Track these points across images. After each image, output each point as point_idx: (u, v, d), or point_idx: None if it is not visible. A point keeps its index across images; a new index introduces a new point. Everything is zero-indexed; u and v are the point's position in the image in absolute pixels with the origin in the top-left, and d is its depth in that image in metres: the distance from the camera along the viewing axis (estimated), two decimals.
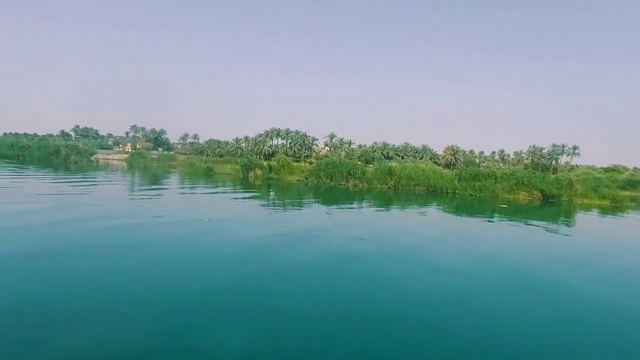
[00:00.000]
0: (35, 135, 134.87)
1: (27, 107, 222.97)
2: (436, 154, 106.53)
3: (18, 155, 71.32)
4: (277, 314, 6.97)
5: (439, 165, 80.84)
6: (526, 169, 55.72)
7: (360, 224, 18.67)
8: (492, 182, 40.42)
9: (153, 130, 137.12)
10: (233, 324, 6.48)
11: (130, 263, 9.52)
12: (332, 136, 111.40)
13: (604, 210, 32.56)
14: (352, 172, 44.17)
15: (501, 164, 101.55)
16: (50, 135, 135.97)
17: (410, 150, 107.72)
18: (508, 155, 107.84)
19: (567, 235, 19.21)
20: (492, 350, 6.16)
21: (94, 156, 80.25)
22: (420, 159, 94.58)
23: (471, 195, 39.19)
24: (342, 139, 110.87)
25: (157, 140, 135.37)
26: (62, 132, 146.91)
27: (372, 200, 31.10)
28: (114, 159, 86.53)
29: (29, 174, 36.93)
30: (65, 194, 22.80)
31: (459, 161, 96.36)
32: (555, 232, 19.54)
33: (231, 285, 8.37)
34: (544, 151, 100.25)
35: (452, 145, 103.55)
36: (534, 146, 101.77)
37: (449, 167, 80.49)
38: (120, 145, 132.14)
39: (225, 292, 7.97)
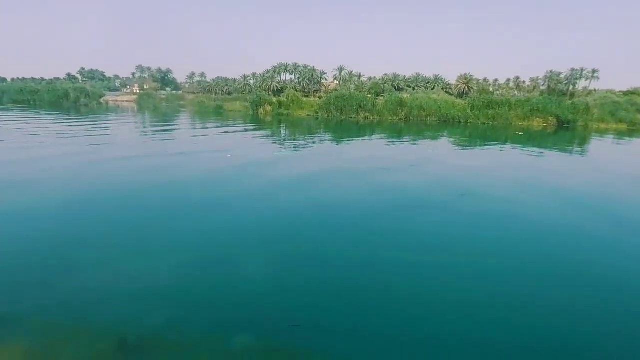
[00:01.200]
0: (43, 79, 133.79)
1: (32, 52, 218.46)
2: (448, 84, 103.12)
3: (28, 100, 71.32)
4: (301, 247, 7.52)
5: (451, 95, 78.86)
6: (542, 96, 54.00)
7: (376, 155, 18.94)
8: (505, 110, 39.53)
9: (159, 70, 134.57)
10: (260, 252, 7.04)
11: (154, 197, 10.08)
12: (341, 69, 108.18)
13: (619, 135, 32.03)
14: (362, 105, 43.56)
15: (516, 92, 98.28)
16: (57, 79, 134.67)
17: (422, 81, 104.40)
18: (524, 82, 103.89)
19: (570, 162, 19.29)
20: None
21: (103, 98, 79.89)
22: (432, 89, 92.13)
23: (484, 124, 38.70)
24: (352, 72, 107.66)
25: (164, 79, 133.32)
26: (69, 75, 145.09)
27: (383, 132, 31.03)
28: (123, 101, 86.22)
29: (45, 117, 37.34)
30: (86, 134, 23.28)
31: (472, 90, 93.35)
32: (563, 160, 19.61)
33: (267, 222, 8.92)
34: (561, 76, 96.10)
35: (465, 74, 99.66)
36: (551, 71, 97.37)
37: (461, 97, 78.34)
38: (128, 87, 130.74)
39: (254, 225, 8.52)
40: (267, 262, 6.15)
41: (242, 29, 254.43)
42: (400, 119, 41.64)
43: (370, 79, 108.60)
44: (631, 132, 34.27)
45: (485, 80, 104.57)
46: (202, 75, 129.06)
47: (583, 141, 27.72)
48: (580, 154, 21.29)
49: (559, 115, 37.77)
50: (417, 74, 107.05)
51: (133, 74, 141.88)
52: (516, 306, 5.02)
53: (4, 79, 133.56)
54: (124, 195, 9.82)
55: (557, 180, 13.41)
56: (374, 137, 27.49)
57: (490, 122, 38.88)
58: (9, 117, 36.21)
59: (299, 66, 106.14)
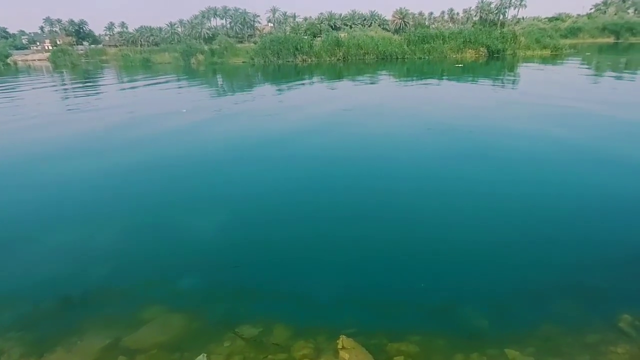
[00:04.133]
0: None
1: None
2: (385, 20, 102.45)
3: None
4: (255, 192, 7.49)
5: (388, 31, 78.46)
6: (474, 27, 55.29)
7: (319, 98, 18.81)
8: (440, 43, 40.21)
9: (72, 22, 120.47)
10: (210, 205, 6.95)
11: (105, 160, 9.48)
12: (274, 10, 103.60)
13: (544, 60, 33.85)
14: (299, 47, 42.33)
15: (451, 24, 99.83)
16: None
17: (358, 19, 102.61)
18: (457, 13, 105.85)
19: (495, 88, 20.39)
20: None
21: (10, 58, 70.88)
22: (369, 26, 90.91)
23: (420, 58, 39.29)
24: (286, 13, 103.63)
25: (79, 33, 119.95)
26: None
27: (321, 74, 30.62)
28: (34, 60, 76.98)
29: None
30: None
31: (408, 25, 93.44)
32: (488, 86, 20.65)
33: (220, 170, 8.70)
34: (492, 6, 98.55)
35: (401, 9, 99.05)
36: (482, 1, 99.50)
37: (398, 33, 78.30)
38: (38, 43, 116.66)
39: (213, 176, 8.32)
40: (208, 210, 6.11)
41: None
42: (338, 60, 41.17)
43: (305, 19, 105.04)
44: (554, 57, 36.37)
45: (420, 14, 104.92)
46: (123, 25, 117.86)
47: (511, 69, 29.09)
48: (506, 83, 22.43)
49: (489, 45, 39.06)
50: (353, 11, 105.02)
51: (41, 28, 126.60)
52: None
53: None
54: (66, 160, 9.13)
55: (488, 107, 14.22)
56: (315, 81, 27.09)
57: (427, 56, 39.51)
58: None
59: (228, 9, 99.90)
